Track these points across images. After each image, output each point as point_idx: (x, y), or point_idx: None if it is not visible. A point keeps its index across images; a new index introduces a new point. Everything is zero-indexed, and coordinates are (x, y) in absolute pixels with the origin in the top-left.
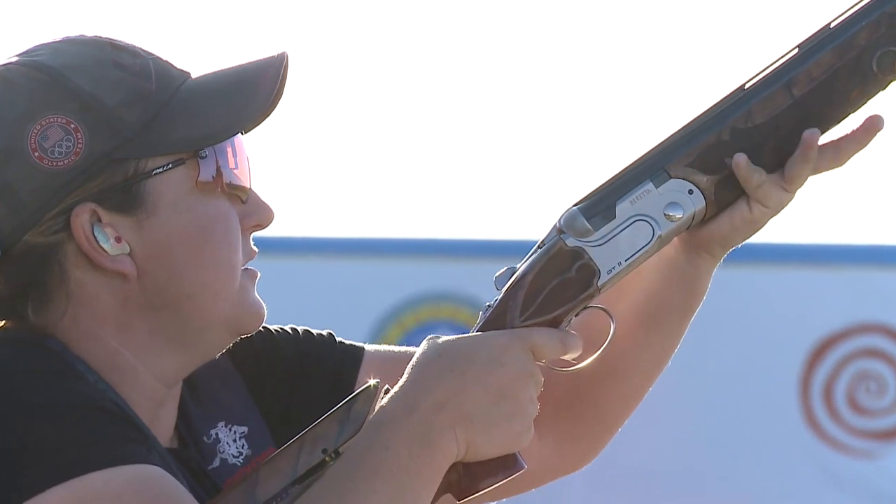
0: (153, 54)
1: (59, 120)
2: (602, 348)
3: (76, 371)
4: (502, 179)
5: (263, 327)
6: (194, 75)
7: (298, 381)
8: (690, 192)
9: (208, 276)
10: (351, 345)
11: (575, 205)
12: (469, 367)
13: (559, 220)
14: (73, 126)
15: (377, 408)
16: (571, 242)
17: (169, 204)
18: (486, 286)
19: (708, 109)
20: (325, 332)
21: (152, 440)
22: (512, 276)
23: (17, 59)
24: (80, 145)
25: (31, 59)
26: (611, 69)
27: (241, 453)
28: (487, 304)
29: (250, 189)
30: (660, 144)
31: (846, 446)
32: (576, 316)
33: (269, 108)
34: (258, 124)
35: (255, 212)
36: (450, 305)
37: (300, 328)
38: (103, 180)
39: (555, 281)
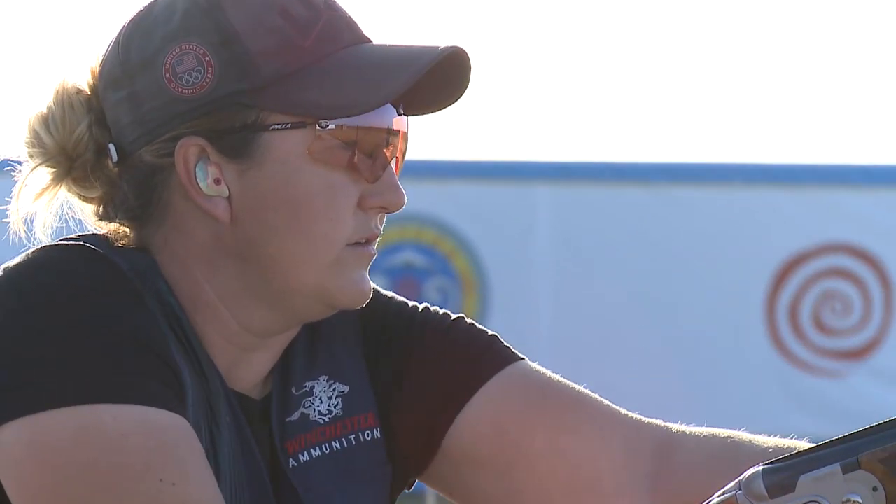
0: (337, 10)
1: (197, 49)
2: None
3: (137, 295)
4: (468, 102)
5: (415, 305)
6: (375, 42)
7: (413, 371)
8: (875, 489)
9: (296, 244)
10: (503, 354)
11: (763, 464)
12: None
13: (743, 475)
14: (207, 59)
15: None
16: (744, 502)
17: (277, 162)
18: (450, 207)
19: None
20: (487, 332)
21: (196, 385)
22: None
23: None
24: (207, 79)
25: None
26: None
27: (330, 412)
28: None
29: (385, 171)
30: (864, 430)
31: (812, 366)
32: None
33: (393, 97)
34: (392, 107)
35: (382, 193)
36: (414, 226)
37: (462, 318)
38: (220, 120)
39: None
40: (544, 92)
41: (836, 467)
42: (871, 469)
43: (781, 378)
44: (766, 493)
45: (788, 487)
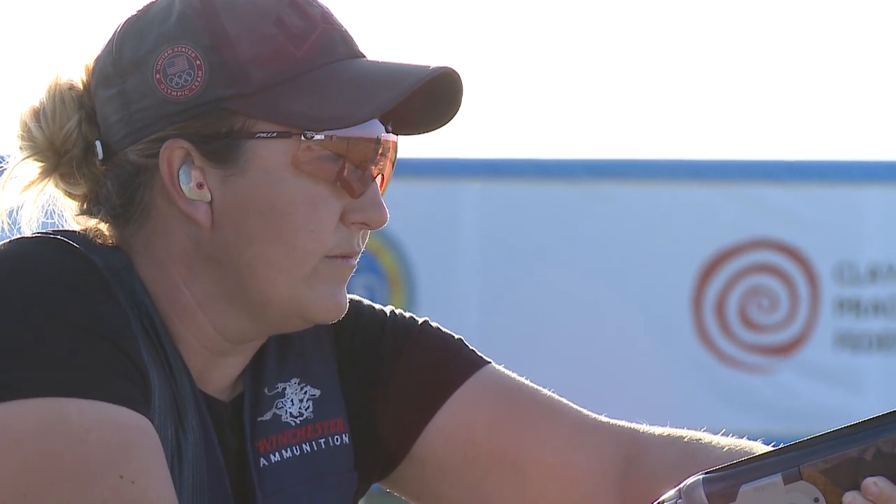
0: (333, 23)
1: (189, 52)
2: None
3: (110, 292)
4: None
5: (385, 311)
6: (369, 58)
7: (384, 377)
8: (816, 500)
9: (274, 254)
10: (470, 358)
11: (703, 473)
12: None
13: (683, 483)
14: (198, 62)
15: None
16: None
17: (260, 170)
18: None
19: (866, 420)
20: (454, 336)
21: (163, 386)
22: None
23: None
24: (197, 82)
25: None
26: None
27: (301, 414)
28: None
29: (370, 187)
30: (805, 440)
31: (739, 361)
32: None
33: (382, 111)
34: (373, 124)
35: (365, 209)
36: None
37: (428, 323)
38: (207, 124)
39: None
40: (471, 89)
41: (778, 478)
42: (812, 480)
43: (708, 374)
44: (706, 503)
45: (729, 497)
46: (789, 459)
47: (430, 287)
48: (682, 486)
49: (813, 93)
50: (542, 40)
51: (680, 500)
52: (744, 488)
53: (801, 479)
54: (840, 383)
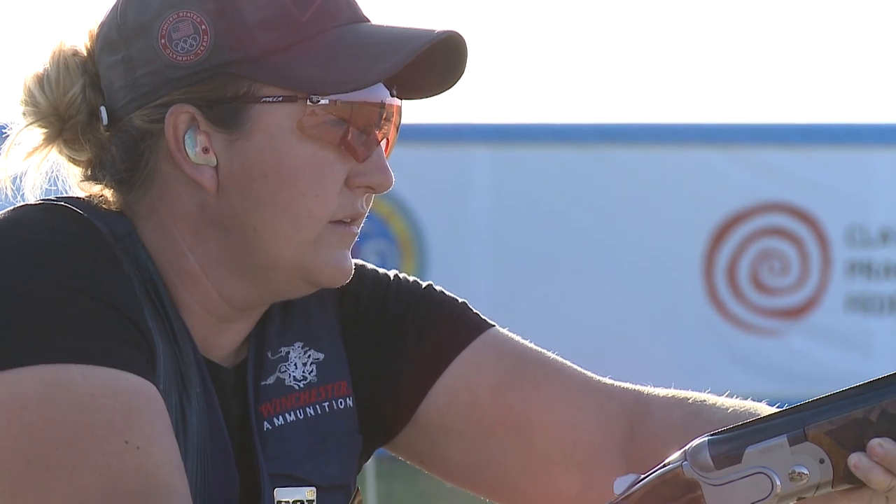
0: None
1: (194, 17)
2: None
3: (114, 259)
4: None
5: (389, 275)
6: (374, 23)
7: (388, 341)
8: (822, 461)
9: (279, 218)
10: (474, 321)
11: (708, 434)
12: None
13: (689, 445)
14: (203, 27)
15: None
16: (690, 473)
17: (265, 134)
18: None
19: (871, 381)
20: (458, 300)
21: (167, 352)
22: (630, 486)
23: None
24: (202, 47)
25: None
26: None
27: (305, 378)
28: None
29: (375, 151)
30: (811, 402)
31: (750, 325)
32: None
33: (387, 75)
34: (382, 86)
35: (369, 173)
36: None
37: (432, 287)
38: (213, 89)
39: None
40: (481, 55)
41: (783, 439)
42: (818, 441)
43: (720, 337)
44: (712, 465)
45: (735, 459)
46: (794, 421)
47: (441, 252)
48: (687, 447)
49: (823, 56)
50: (554, 4)
51: (685, 462)
52: (749, 450)
53: (807, 440)
54: (851, 346)
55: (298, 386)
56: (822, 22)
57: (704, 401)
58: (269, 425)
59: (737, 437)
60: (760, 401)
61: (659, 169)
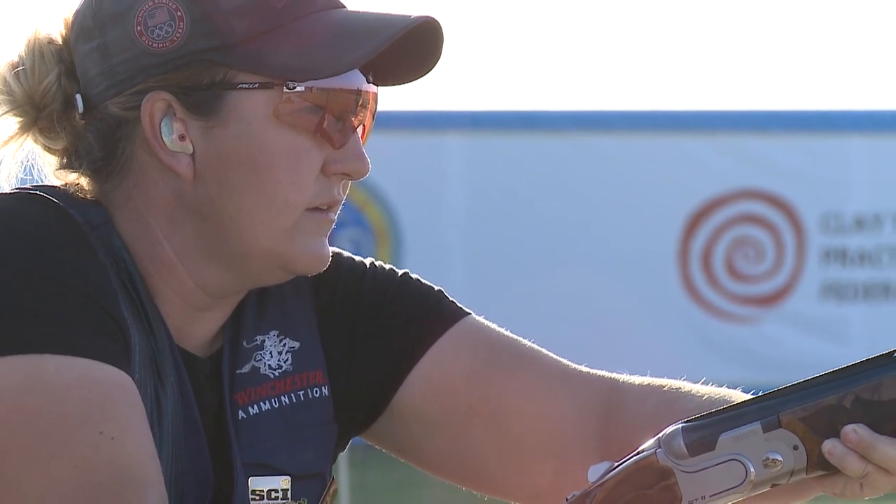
0: None
1: (170, 4)
2: None
3: (89, 248)
4: None
5: (365, 263)
6: (350, 8)
7: (364, 329)
8: (795, 447)
9: (256, 205)
10: (450, 309)
11: (682, 422)
12: None
13: (662, 432)
14: (179, 14)
15: None
16: (663, 460)
17: (242, 121)
18: None
19: (845, 367)
20: (434, 288)
21: (143, 342)
22: (604, 474)
23: None
24: (178, 34)
25: None
26: None
27: (280, 366)
28: (570, 494)
29: (351, 138)
30: (784, 388)
31: (725, 312)
32: None
33: (363, 61)
34: (357, 71)
35: (346, 160)
36: None
37: (408, 275)
38: (189, 76)
39: (634, 493)
40: (455, 41)
41: (757, 426)
42: (791, 428)
43: (695, 325)
44: (686, 452)
45: (709, 446)
46: (768, 407)
47: (416, 240)
48: (661, 435)
49: (799, 43)
50: None
51: (659, 450)
52: (723, 437)
53: (781, 426)
54: (826, 333)
55: (273, 374)
56: (798, 9)
57: (679, 388)
58: (243, 414)
59: (710, 425)
60: (735, 388)
61: (634, 156)
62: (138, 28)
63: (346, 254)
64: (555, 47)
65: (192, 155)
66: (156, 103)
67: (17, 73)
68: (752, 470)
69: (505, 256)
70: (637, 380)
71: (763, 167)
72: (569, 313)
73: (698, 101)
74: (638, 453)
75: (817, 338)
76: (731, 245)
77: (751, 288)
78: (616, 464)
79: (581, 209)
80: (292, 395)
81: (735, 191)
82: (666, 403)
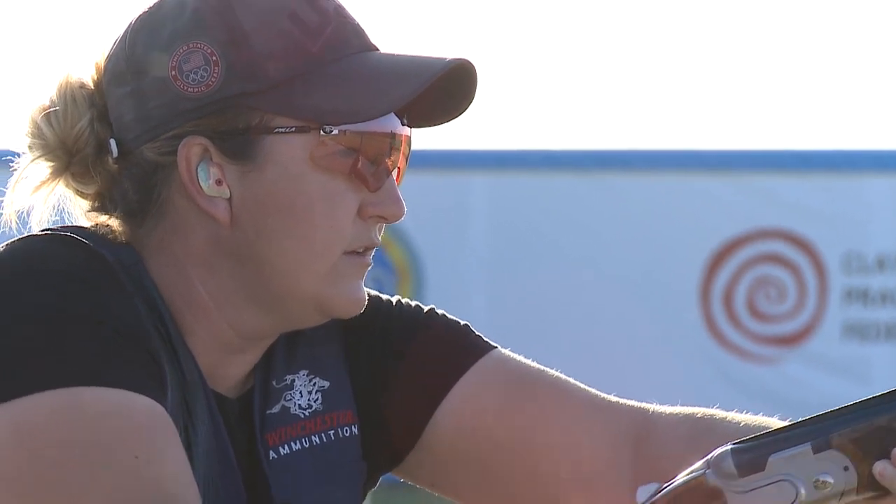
0: (346, 17)
1: (205, 48)
2: None
3: (121, 287)
4: None
5: (392, 300)
6: (383, 51)
7: (392, 366)
8: (846, 468)
9: (294, 249)
10: (477, 343)
11: (731, 444)
12: None
13: (711, 454)
14: (214, 58)
15: None
16: (713, 481)
17: (278, 165)
18: None
19: (895, 390)
20: (460, 322)
21: (174, 382)
22: (653, 495)
23: None
24: (213, 78)
25: None
26: None
27: (310, 406)
28: None
29: (386, 181)
30: (833, 410)
31: (747, 352)
32: None
33: (399, 105)
34: (394, 118)
35: (382, 203)
36: None
37: (434, 310)
38: (225, 120)
39: None
40: (480, 82)
41: (807, 447)
42: (842, 449)
43: (716, 365)
44: (735, 472)
45: (758, 466)
46: (819, 429)
47: (438, 279)
48: (709, 456)
49: (819, 82)
50: (550, 32)
51: (709, 471)
52: (773, 458)
53: (831, 447)
54: (848, 373)
55: (304, 414)
56: (819, 48)
57: (713, 416)
58: (274, 454)
59: (760, 446)
60: None
61: (655, 195)
62: (173, 73)
63: (374, 292)
64: (576, 88)
65: (230, 199)
66: (192, 148)
67: (48, 118)
68: (803, 491)
69: (527, 296)
70: (668, 409)
71: (784, 207)
72: (591, 352)
73: (719, 140)
74: (687, 474)
75: (839, 378)
76: (753, 285)
77: (773, 328)
78: (664, 485)
79: (602, 248)
80: (322, 434)
81: (756, 230)
82: (700, 430)
